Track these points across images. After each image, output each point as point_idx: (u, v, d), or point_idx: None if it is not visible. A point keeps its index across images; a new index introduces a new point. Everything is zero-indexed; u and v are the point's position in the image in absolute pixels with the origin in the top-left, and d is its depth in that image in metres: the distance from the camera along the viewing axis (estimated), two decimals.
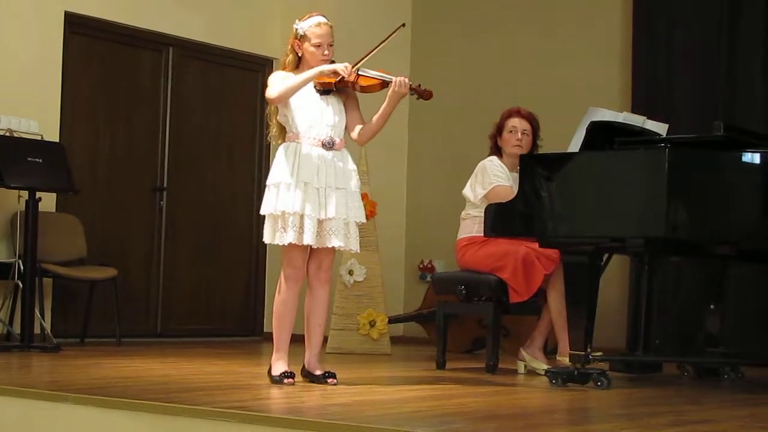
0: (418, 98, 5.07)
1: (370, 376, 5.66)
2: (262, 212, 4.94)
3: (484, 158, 6.20)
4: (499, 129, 6.16)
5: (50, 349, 6.66)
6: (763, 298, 7.05)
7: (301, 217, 4.82)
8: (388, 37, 5.01)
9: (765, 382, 6.00)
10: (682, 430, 3.76)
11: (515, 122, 6.13)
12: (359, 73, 4.98)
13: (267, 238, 4.92)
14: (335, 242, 4.88)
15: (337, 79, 4.87)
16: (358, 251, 5.14)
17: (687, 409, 4.46)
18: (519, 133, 6.09)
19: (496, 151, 6.19)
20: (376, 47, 5.01)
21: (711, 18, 7.58)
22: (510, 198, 5.53)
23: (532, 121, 6.16)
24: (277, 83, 4.92)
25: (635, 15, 7.98)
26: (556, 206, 5.16)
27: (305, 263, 4.97)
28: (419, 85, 5.03)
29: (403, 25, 5.07)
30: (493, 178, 6.02)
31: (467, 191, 6.15)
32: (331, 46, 4.99)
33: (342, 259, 7.42)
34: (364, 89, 5.02)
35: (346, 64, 4.89)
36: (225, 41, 8.61)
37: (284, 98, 4.91)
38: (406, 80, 4.98)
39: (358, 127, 5.06)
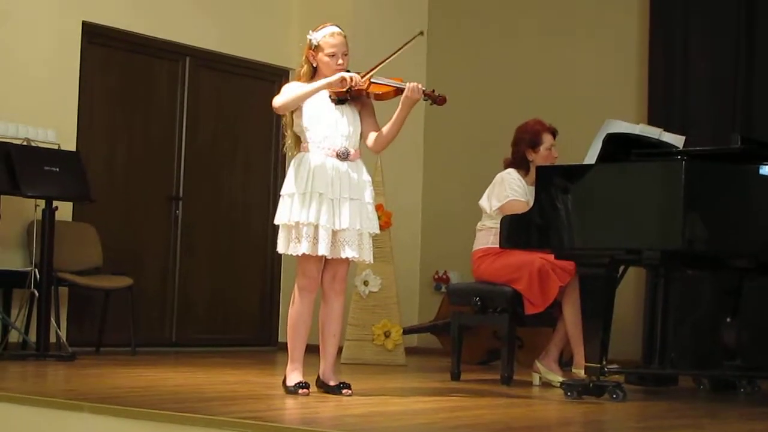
0: (431, 103, 5.08)
1: (384, 387, 5.65)
2: (276, 222, 4.94)
3: (501, 169, 6.18)
4: (534, 143, 6.10)
5: (65, 357, 6.67)
6: None
7: (316, 227, 4.82)
8: (405, 44, 5.01)
9: None
10: None
11: (551, 139, 6.10)
12: (372, 80, 4.99)
13: (281, 248, 4.93)
14: (349, 253, 4.87)
15: (345, 88, 4.86)
16: (372, 262, 5.13)
17: (703, 423, 4.44)
18: (554, 151, 6.08)
19: (519, 163, 6.14)
20: (393, 54, 5.00)
21: (728, 29, 7.56)
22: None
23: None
24: (284, 92, 4.95)
25: (651, 25, 7.97)
26: (572, 218, 5.14)
27: (320, 274, 4.97)
28: (433, 91, 5.03)
29: (422, 33, 5.06)
30: (510, 192, 6.01)
31: (483, 202, 6.14)
32: (345, 55, 5.00)
33: (357, 269, 7.42)
34: (378, 97, 5.03)
35: (353, 74, 4.88)
36: (241, 51, 8.63)
37: (288, 107, 4.95)
38: (419, 86, 4.98)
39: (372, 135, 5.06)
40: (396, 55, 5.00)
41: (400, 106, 4.99)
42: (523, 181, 6.08)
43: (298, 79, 5.07)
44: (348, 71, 5.03)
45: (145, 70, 8.21)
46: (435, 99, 5.02)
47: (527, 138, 6.11)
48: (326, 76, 5.00)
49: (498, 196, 6.04)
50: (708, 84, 7.66)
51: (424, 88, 4.99)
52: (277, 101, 4.94)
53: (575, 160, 5.50)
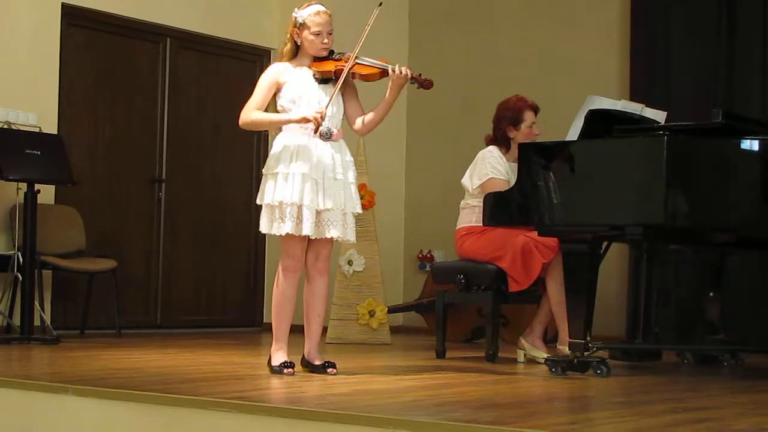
0: (418, 87, 5.06)
1: (369, 366, 5.66)
2: (258, 202, 4.94)
3: (483, 147, 6.18)
4: (515, 120, 6.09)
5: (50, 341, 6.66)
6: (762, 285, 7.05)
7: (300, 207, 4.82)
8: (370, 21, 4.97)
9: (764, 369, 6.00)
10: (682, 417, 3.77)
11: (532, 116, 6.10)
12: (357, 61, 4.98)
13: (263, 228, 4.93)
14: (333, 233, 4.88)
15: (315, 130, 4.85)
16: (355, 241, 5.13)
17: (686, 397, 4.46)
18: (535, 128, 6.08)
19: (501, 140, 6.13)
20: (363, 35, 4.97)
21: (709, 5, 7.57)
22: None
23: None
24: (250, 108, 4.96)
25: (633, 2, 7.97)
26: (554, 195, 5.15)
27: (303, 254, 4.97)
28: (419, 75, 5.02)
29: (380, 3, 5.03)
30: (490, 170, 6.01)
31: (465, 180, 6.15)
32: (330, 34, 4.98)
33: (341, 249, 7.42)
34: (364, 78, 5.02)
35: (319, 110, 4.84)
36: (222, 32, 8.60)
37: (250, 129, 5.14)
38: (406, 69, 4.97)
39: (359, 119, 5.07)
40: (366, 34, 4.96)
41: (388, 91, 4.99)
42: (504, 158, 6.08)
43: (280, 58, 5.06)
44: (332, 52, 5.02)
45: (126, 51, 8.17)
46: (422, 83, 5.01)
47: (509, 115, 6.10)
48: (309, 55, 5.00)
49: (478, 175, 6.04)
50: (690, 60, 7.66)
51: (410, 72, 4.98)
52: (241, 120, 5.01)
53: (558, 137, 5.50)
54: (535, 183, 5.22)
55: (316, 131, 4.86)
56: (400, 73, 4.94)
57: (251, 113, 4.96)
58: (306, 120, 4.84)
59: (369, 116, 5.06)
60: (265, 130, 5.08)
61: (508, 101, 6.16)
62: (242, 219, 8.70)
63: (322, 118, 4.84)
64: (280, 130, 4.99)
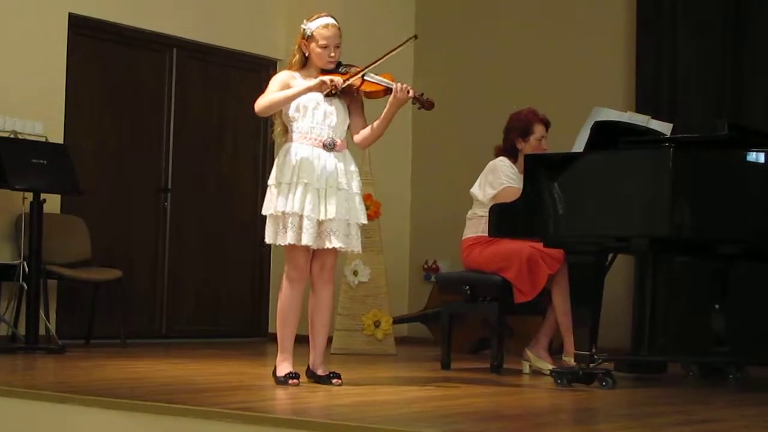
0: (419, 108, 5.07)
1: (374, 377, 5.66)
2: (263, 213, 4.95)
3: (491, 158, 6.18)
4: (525, 132, 6.10)
5: (55, 350, 6.66)
6: None
7: (300, 217, 4.82)
8: (398, 47, 4.99)
9: None
10: (688, 429, 3.76)
11: (542, 130, 6.10)
12: (365, 78, 4.98)
13: (269, 239, 4.93)
14: (335, 243, 4.88)
15: (325, 92, 4.87)
16: (361, 252, 5.14)
17: (692, 409, 4.45)
18: (544, 142, 6.08)
19: (509, 151, 6.14)
20: (385, 56, 4.99)
21: (716, 15, 7.57)
22: None
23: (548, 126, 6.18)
24: (266, 95, 4.95)
25: (639, 13, 7.97)
26: (560, 206, 5.15)
27: (308, 264, 4.97)
28: (422, 94, 5.02)
29: (415, 36, 5.05)
30: (504, 179, 6.01)
31: (476, 190, 6.14)
32: (337, 47, 4.99)
33: (346, 259, 7.42)
34: (368, 95, 5.02)
35: (332, 77, 4.88)
36: (229, 42, 8.61)
37: (268, 113, 5.00)
38: (408, 88, 4.97)
39: (359, 132, 5.08)
40: (388, 56, 4.98)
41: (387, 107, 4.99)
42: (515, 168, 6.09)
43: (290, 68, 5.07)
44: (340, 63, 5.03)
45: (132, 61, 8.18)
46: (423, 103, 5.02)
47: (518, 126, 6.12)
48: (317, 67, 5.01)
49: (492, 184, 6.04)
50: (696, 71, 7.66)
51: (413, 91, 4.98)
52: (258, 105, 4.96)
53: (564, 149, 5.50)
54: (540, 194, 5.22)
55: (328, 94, 4.87)
56: (403, 91, 4.95)
57: (267, 96, 4.95)
58: (323, 84, 4.85)
59: (367, 131, 5.07)
60: (273, 140, 5.05)
61: (519, 113, 6.17)
62: (248, 229, 8.70)
63: (337, 85, 4.85)
64: (286, 139, 5.00)
